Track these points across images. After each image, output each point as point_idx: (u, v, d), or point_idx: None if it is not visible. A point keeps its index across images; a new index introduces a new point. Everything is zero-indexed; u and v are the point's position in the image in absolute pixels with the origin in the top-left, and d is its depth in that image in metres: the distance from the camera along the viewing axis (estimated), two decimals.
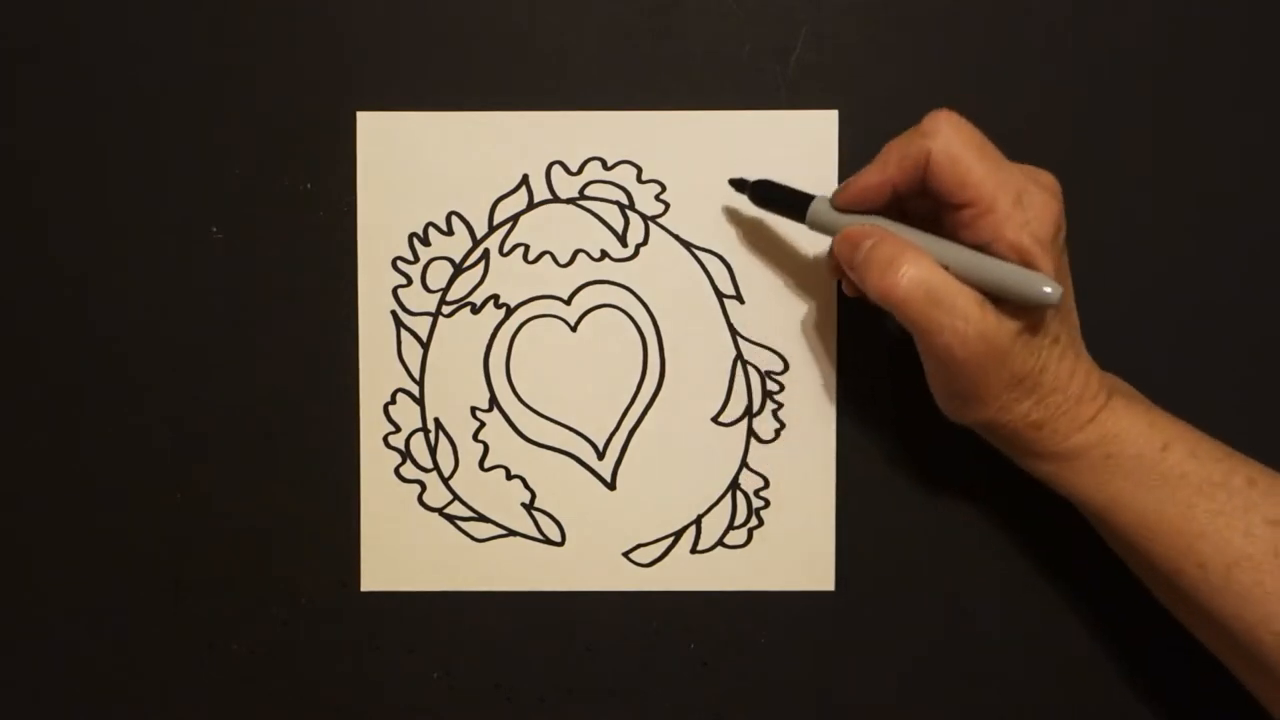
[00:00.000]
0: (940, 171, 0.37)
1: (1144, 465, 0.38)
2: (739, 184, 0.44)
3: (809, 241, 0.45)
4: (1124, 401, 0.39)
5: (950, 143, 0.37)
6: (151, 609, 0.46)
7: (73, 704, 0.47)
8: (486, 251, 0.46)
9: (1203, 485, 0.38)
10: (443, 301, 0.46)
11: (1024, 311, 0.37)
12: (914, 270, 0.37)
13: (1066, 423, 0.39)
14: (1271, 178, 0.45)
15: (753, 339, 0.46)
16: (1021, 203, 0.37)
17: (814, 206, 0.41)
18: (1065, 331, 0.39)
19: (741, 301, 0.46)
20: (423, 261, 0.46)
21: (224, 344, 0.46)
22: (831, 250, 0.41)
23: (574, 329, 0.46)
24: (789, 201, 0.42)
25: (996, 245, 0.37)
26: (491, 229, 0.46)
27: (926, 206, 0.40)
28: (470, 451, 0.46)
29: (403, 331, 0.46)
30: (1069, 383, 0.39)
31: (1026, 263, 0.37)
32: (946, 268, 0.37)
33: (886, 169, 0.39)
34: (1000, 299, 0.37)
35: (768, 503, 0.46)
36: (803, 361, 0.46)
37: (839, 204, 0.40)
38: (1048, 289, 0.36)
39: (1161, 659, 0.44)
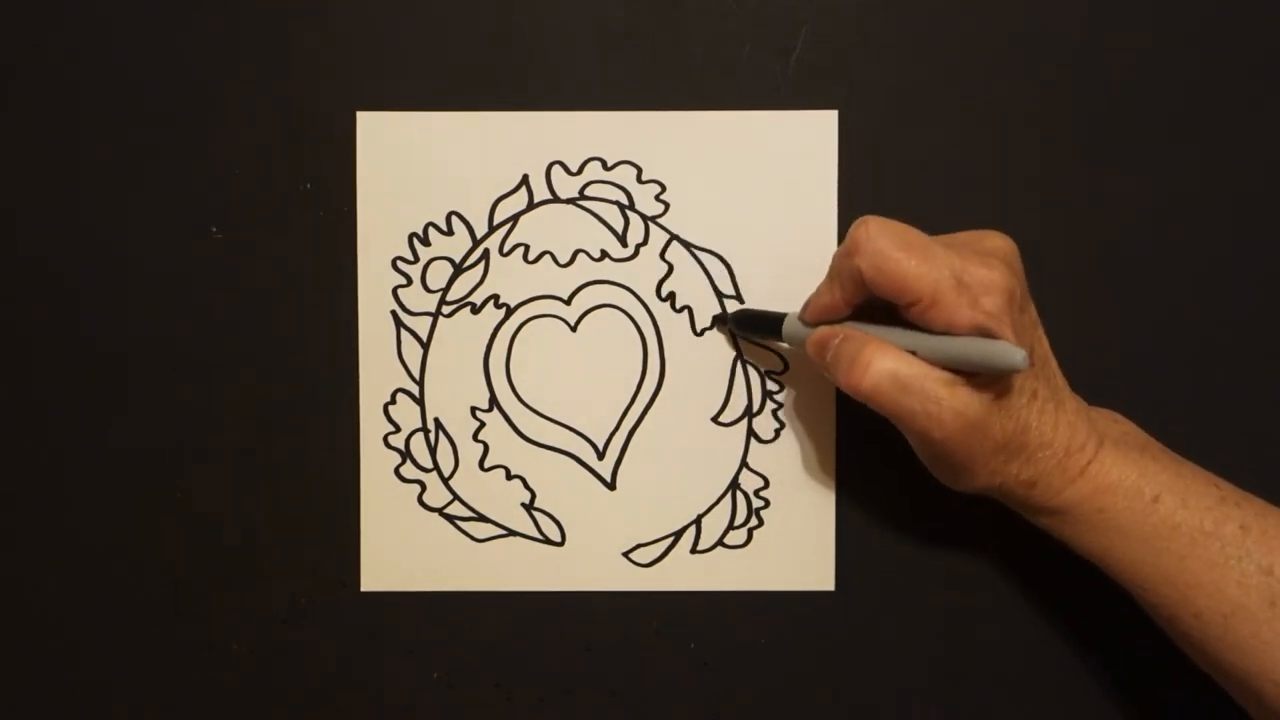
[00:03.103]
0: (875, 282, 0.38)
1: (1135, 518, 0.39)
2: (720, 319, 0.46)
3: (808, 242, 0.45)
4: (1114, 452, 0.39)
5: (875, 254, 0.37)
6: (151, 609, 0.46)
7: (73, 704, 0.47)
8: (486, 251, 0.46)
9: (1195, 536, 0.38)
10: (443, 301, 0.46)
11: (993, 380, 0.38)
12: (879, 361, 0.38)
13: (1058, 478, 0.39)
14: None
15: (753, 339, 0.46)
16: (963, 283, 0.37)
17: (786, 323, 0.42)
18: (1042, 385, 0.39)
19: (741, 301, 0.46)
20: (423, 261, 0.46)
21: (223, 344, 0.46)
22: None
23: (574, 329, 0.46)
24: (765, 324, 0.44)
25: (954, 330, 0.37)
26: (491, 229, 0.46)
27: (887, 302, 0.40)
28: (470, 451, 0.46)
29: (403, 331, 0.46)
30: (1054, 436, 0.39)
31: (986, 337, 0.37)
32: (915, 354, 0.38)
33: (834, 289, 0.40)
34: (972, 373, 0.37)
35: (768, 503, 0.46)
36: (803, 361, 0.46)
37: (805, 320, 0.42)
38: (1012, 356, 0.36)
39: (1162, 659, 0.44)
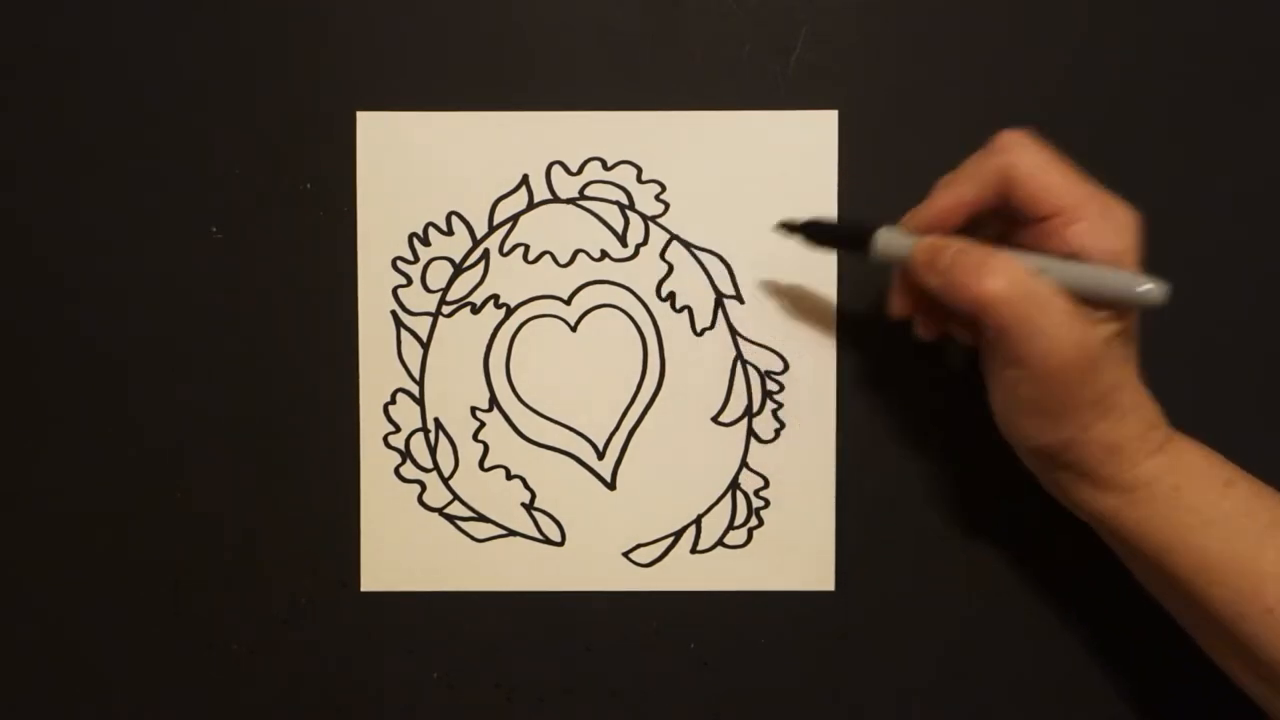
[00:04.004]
0: (1024, 184, 0.36)
1: (1210, 499, 0.37)
2: (789, 226, 0.43)
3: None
4: (1184, 438, 0.38)
5: (1031, 156, 0.37)
6: (151, 608, 0.46)
7: (73, 704, 0.47)
8: (486, 251, 0.46)
9: (1272, 523, 0.36)
10: (443, 301, 0.46)
11: (1115, 319, 0.36)
12: (1008, 270, 0.35)
13: (1141, 446, 0.37)
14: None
15: (753, 339, 0.46)
16: (1108, 213, 0.36)
17: (880, 236, 0.39)
18: (1132, 355, 0.38)
19: (741, 301, 0.46)
20: (423, 261, 0.46)
21: (223, 344, 0.46)
22: (895, 282, 0.40)
23: (574, 329, 0.46)
24: (845, 236, 0.41)
25: (1088, 253, 0.36)
26: (491, 229, 0.46)
27: (995, 229, 0.39)
28: (470, 451, 0.46)
29: (403, 331, 0.46)
30: (1142, 405, 0.37)
31: (1121, 267, 0.36)
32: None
33: (963, 189, 0.38)
34: (1094, 305, 0.36)
35: (768, 503, 0.46)
36: (803, 361, 0.46)
37: (914, 228, 0.39)
38: (1150, 286, 0.34)
39: (1163, 659, 0.44)
